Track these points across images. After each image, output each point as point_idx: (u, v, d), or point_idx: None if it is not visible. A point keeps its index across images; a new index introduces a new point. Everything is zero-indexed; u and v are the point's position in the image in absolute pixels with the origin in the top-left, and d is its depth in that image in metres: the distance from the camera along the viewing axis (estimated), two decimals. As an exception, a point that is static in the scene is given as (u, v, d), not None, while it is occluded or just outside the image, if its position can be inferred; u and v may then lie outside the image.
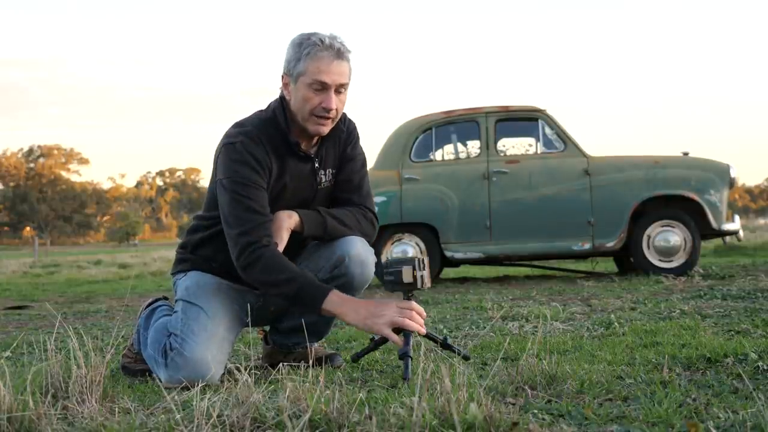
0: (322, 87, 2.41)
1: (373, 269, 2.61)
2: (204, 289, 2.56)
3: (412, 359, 2.27)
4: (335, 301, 2.33)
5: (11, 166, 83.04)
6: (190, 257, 2.67)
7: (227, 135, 2.51)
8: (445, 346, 2.39)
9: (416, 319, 2.31)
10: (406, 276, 2.29)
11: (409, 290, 2.34)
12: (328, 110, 2.43)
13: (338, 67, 2.41)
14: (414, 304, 2.33)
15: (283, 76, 2.50)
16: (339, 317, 2.36)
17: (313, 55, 2.39)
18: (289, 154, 2.52)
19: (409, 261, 2.31)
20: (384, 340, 2.40)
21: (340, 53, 2.41)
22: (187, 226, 2.80)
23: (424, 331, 2.32)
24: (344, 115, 2.64)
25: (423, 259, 2.32)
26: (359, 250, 2.55)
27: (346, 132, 2.63)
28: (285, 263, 2.39)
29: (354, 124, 2.68)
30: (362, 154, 2.68)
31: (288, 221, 2.47)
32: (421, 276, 2.31)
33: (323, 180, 2.61)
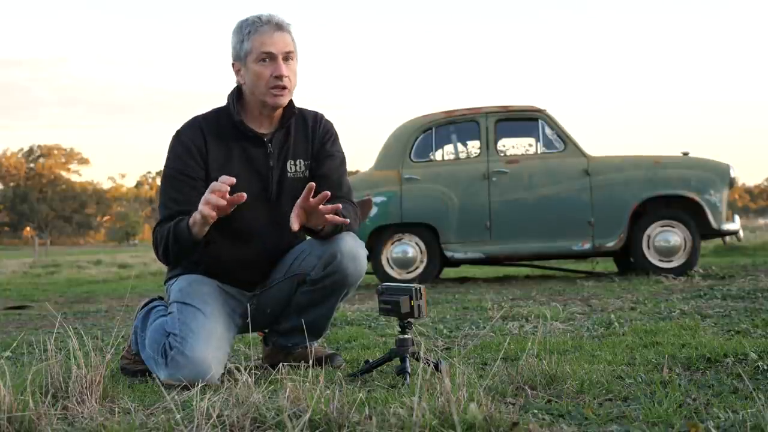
0: (270, 58, 2.51)
1: (366, 263, 2.63)
2: (198, 289, 2.57)
3: (409, 374, 2.28)
4: (197, 224, 2.39)
5: (11, 166, 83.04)
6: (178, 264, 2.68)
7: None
8: (437, 367, 2.32)
9: (210, 199, 2.30)
10: (404, 306, 2.31)
11: (405, 319, 2.35)
12: (281, 77, 2.50)
13: (281, 38, 2.52)
14: (214, 185, 2.32)
15: (233, 65, 2.59)
16: (199, 222, 2.39)
17: (254, 31, 2.51)
18: (237, 137, 2.59)
19: (407, 291, 2.32)
20: (380, 361, 2.41)
21: (279, 25, 2.53)
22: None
23: (213, 214, 2.31)
24: (321, 115, 2.71)
25: (420, 288, 2.33)
26: (350, 245, 2.56)
27: (322, 129, 2.68)
28: (161, 230, 2.49)
29: (331, 123, 2.73)
30: (341, 152, 2.72)
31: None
32: (419, 305, 2.32)
33: (290, 170, 2.62)
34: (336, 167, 2.67)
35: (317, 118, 2.69)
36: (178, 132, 2.60)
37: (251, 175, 2.58)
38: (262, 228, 2.61)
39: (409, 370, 2.29)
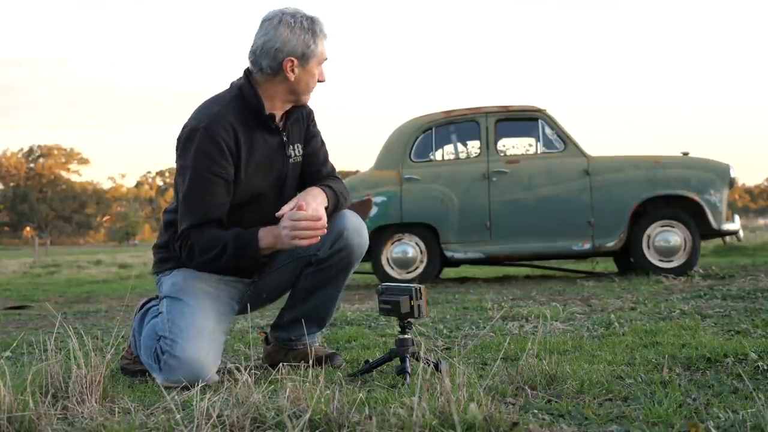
0: (323, 64, 2.60)
1: (368, 236, 2.69)
2: (191, 283, 2.54)
3: (409, 374, 2.28)
4: (265, 238, 2.45)
5: (11, 166, 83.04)
6: (172, 255, 2.61)
7: (192, 119, 2.53)
8: (437, 367, 2.32)
9: (304, 235, 2.38)
10: (404, 306, 2.32)
11: (405, 319, 2.35)
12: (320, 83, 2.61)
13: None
14: (302, 214, 2.38)
15: (286, 60, 2.49)
16: (274, 248, 2.47)
17: (323, 36, 2.56)
18: (259, 129, 2.56)
19: (407, 291, 2.33)
20: (380, 361, 2.41)
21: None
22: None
23: (313, 241, 2.40)
24: None
25: (420, 288, 2.33)
26: (353, 221, 2.63)
27: (307, 111, 2.71)
28: (212, 237, 2.46)
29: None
30: (320, 131, 2.78)
31: (322, 207, 2.50)
32: (419, 305, 2.32)
33: (293, 155, 2.65)
34: (320, 146, 2.74)
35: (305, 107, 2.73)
36: (205, 127, 2.46)
37: (271, 162, 2.59)
38: (271, 216, 2.55)
39: (409, 370, 2.29)
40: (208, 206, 2.47)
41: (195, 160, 2.46)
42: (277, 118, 2.60)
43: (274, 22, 2.49)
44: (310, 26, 2.52)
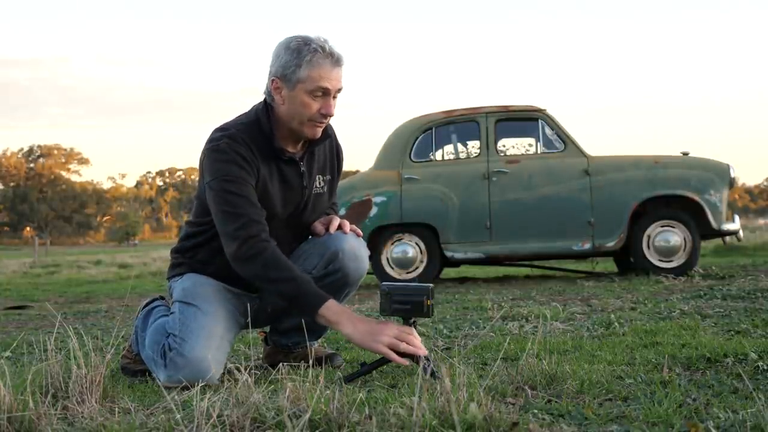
0: (323, 93, 2.43)
1: (367, 263, 2.63)
2: (201, 289, 2.55)
3: (429, 361, 2.25)
4: (333, 309, 2.32)
5: (11, 166, 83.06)
6: (185, 261, 2.66)
7: (210, 139, 2.49)
8: (433, 375, 2.29)
9: (415, 342, 2.28)
10: (425, 306, 2.28)
11: (425, 317, 2.32)
12: (328, 116, 2.46)
13: (338, 74, 2.45)
14: (413, 330, 2.32)
15: (274, 80, 2.46)
16: (335, 327, 2.35)
17: (315, 62, 2.40)
18: (275, 158, 2.52)
19: (423, 290, 2.28)
20: (378, 363, 2.40)
21: (339, 60, 2.45)
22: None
23: (423, 353, 2.28)
24: (335, 137, 2.70)
25: (432, 287, 2.31)
26: (352, 244, 2.56)
27: (340, 155, 2.71)
28: (286, 262, 2.39)
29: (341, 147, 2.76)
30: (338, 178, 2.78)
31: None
32: (431, 305, 2.30)
33: (317, 185, 2.62)
34: (336, 187, 2.76)
35: (333, 140, 2.68)
36: (224, 143, 2.43)
37: (287, 194, 2.55)
38: (285, 239, 2.57)
39: (433, 369, 2.23)
40: (245, 205, 2.41)
41: (221, 169, 2.42)
42: (296, 147, 2.57)
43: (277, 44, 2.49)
44: (297, 47, 2.41)
